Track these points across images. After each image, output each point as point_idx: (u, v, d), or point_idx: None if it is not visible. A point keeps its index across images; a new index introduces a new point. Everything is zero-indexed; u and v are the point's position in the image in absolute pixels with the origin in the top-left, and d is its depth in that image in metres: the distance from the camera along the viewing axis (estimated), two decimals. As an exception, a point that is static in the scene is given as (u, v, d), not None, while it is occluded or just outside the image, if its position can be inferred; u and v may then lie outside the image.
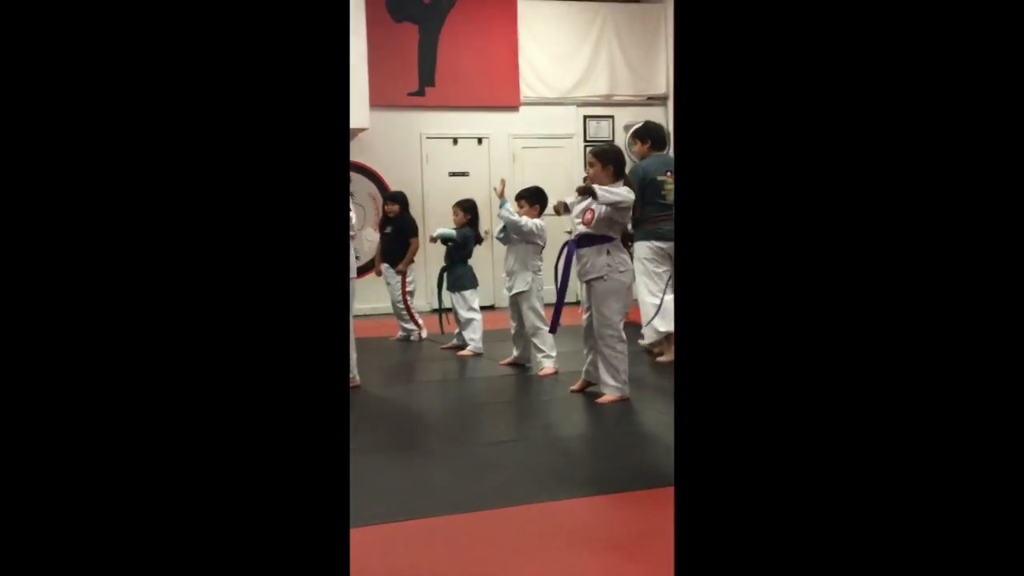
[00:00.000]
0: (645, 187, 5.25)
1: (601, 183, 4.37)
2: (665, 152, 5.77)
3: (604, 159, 4.46)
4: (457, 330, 6.18)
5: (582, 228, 4.42)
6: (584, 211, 4.40)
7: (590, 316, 4.45)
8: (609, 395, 4.38)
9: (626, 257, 4.50)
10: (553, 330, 4.67)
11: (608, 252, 4.36)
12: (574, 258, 4.44)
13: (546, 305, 5.29)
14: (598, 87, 9.69)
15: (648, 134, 5.76)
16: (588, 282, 4.43)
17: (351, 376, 4.84)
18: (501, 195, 5.29)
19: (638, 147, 5.80)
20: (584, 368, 4.61)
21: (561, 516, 2.75)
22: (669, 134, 6.06)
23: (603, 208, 4.28)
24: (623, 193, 4.30)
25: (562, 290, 4.54)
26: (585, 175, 4.88)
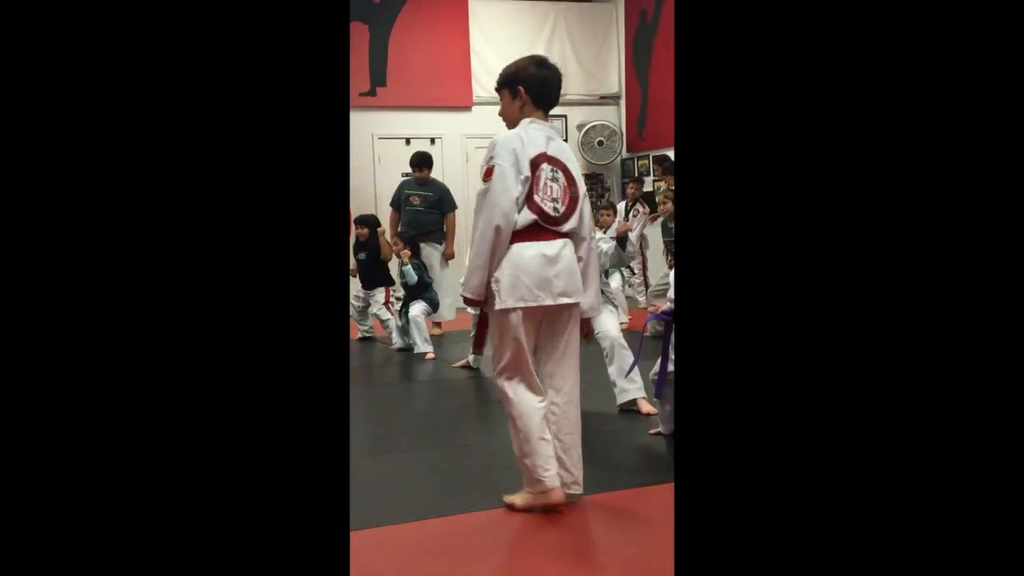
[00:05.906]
0: None
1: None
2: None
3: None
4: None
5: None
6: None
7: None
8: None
9: None
10: (658, 394, 3.69)
11: None
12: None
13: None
14: (550, 86, 9.70)
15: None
16: None
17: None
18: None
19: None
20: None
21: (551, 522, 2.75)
22: (623, 134, 6.14)
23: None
24: None
25: (664, 364, 3.57)
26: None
